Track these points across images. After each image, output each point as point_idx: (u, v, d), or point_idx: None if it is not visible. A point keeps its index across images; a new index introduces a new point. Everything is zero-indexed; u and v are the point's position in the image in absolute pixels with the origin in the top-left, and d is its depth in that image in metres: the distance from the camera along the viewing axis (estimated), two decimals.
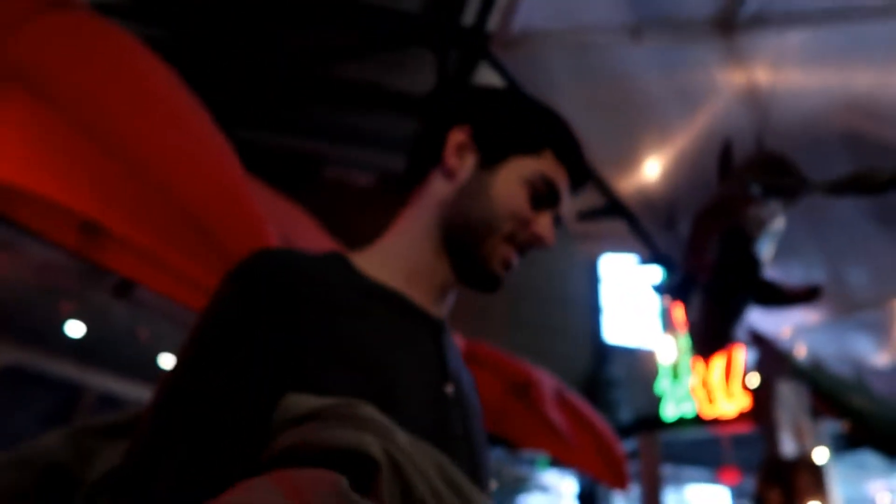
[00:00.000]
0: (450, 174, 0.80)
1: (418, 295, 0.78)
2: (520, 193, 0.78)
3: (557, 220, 0.83)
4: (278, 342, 0.64)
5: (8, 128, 1.60)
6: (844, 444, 5.58)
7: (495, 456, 7.72)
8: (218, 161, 1.91)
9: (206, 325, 0.66)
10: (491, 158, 0.80)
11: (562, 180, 0.81)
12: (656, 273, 3.50)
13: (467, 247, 0.78)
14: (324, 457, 0.52)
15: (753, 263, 1.67)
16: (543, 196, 0.80)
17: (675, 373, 7.99)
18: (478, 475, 0.74)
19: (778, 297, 1.74)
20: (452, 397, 0.75)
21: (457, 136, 0.81)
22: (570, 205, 0.85)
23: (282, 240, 2.00)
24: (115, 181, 1.67)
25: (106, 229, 1.93)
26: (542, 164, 0.80)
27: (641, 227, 3.13)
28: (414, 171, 0.85)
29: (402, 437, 0.57)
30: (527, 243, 0.80)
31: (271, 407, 0.59)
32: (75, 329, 4.05)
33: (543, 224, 0.80)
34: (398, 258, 0.80)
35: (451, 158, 0.80)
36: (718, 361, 7.29)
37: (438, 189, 0.81)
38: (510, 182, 0.78)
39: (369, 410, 0.57)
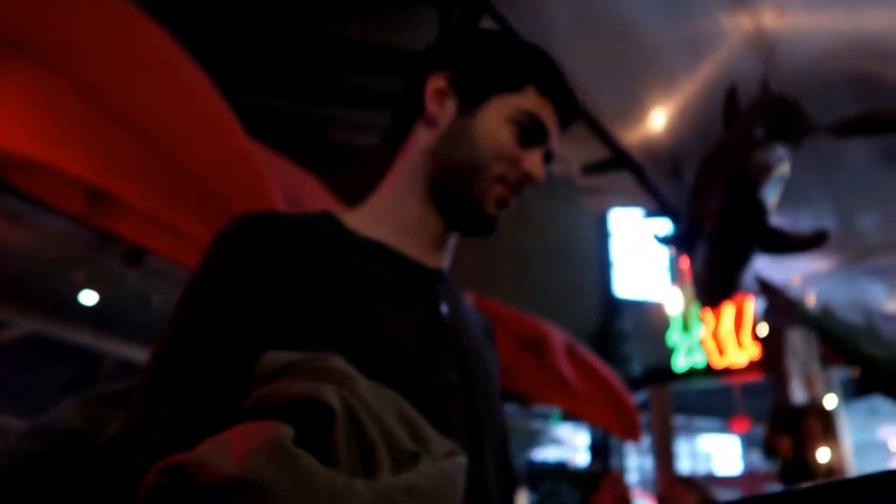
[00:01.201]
0: (431, 122, 0.79)
1: (412, 248, 0.78)
2: (504, 132, 0.76)
3: (549, 157, 0.82)
4: (262, 302, 0.65)
5: (12, 97, 1.61)
6: (855, 391, 5.62)
7: (508, 411, 7.83)
8: (221, 125, 1.91)
9: (191, 290, 0.68)
10: (471, 101, 0.78)
11: (548, 115, 0.79)
12: (663, 225, 3.48)
13: (456, 192, 0.77)
14: (285, 408, 0.54)
15: (759, 210, 1.66)
16: (531, 132, 0.78)
17: (686, 324, 8.01)
18: (476, 423, 0.74)
19: (784, 243, 1.73)
20: (447, 346, 0.75)
21: (435, 83, 0.79)
22: (558, 140, 0.82)
23: (287, 201, 2.01)
24: (119, 147, 1.68)
25: (112, 196, 1.94)
26: (525, 100, 0.78)
27: (648, 178, 3.10)
28: (399, 125, 0.84)
29: (364, 385, 0.58)
30: (518, 182, 0.78)
31: (249, 364, 0.60)
32: (90, 297, 4.11)
33: (532, 160, 0.78)
34: (389, 214, 0.79)
35: (431, 106, 0.79)
36: (728, 311, 7.30)
37: (422, 139, 0.80)
38: (492, 122, 0.77)
39: (335, 361, 0.59)
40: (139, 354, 4.83)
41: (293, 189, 2.37)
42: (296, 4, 6.88)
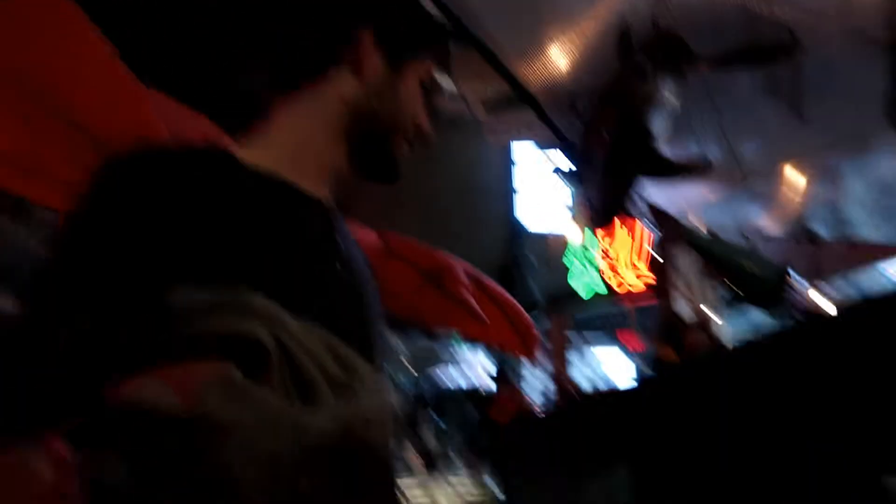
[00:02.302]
0: (358, 73, 0.82)
1: (306, 179, 0.80)
2: (419, 96, 0.84)
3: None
4: (156, 242, 0.64)
5: None
6: (733, 303, 6.05)
7: (410, 333, 8.00)
8: (89, 51, 1.73)
9: (71, 230, 0.65)
10: (397, 61, 0.83)
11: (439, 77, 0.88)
12: (561, 157, 3.57)
13: (375, 143, 0.83)
14: (216, 346, 0.54)
15: (646, 137, 1.72)
16: (431, 95, 0.86)
17: (584, 251, 8.36)
18: (371, 353, 0.77)
19: (668, 168, 1.81)
20: (343, 279, 0.79)
21: (364, 38, 0.82)
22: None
23: (169, 126, 1.86)
24: None
25: None
26: (431, 66, 0.86)
27: (547, 114, 3.15)
28: (311, 65, 0.84)
29: (293, 323, 0.60)
30: (417, 139, 0.86)
31: (154, 302, 0.59)
32: None
33: (426, 121, 0.86)
34: (286, 144, 0.81)
35: (362, 59, 0.82)
36: (623, 239, 7.67)
37: (343, 86, 0.82)
38: (413, 83, 0.84)
39: (259, 300, 0.60)
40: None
41: (173, 117, 2.21)
42: None
